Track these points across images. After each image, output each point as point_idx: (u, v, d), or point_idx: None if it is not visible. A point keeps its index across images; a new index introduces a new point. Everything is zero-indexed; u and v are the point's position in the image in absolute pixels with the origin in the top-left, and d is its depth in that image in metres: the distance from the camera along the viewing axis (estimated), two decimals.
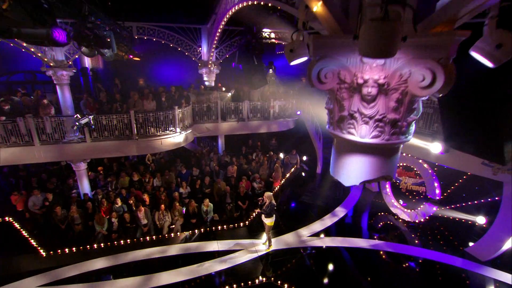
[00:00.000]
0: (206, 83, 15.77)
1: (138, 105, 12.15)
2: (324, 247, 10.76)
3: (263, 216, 10.37)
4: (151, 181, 12.85)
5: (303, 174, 16.36)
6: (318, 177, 16.19)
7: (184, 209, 11.83)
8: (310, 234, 11.35)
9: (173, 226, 11.26)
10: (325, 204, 13.34)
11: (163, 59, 17.33)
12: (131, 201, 11.41)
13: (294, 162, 15.83)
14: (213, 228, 11.55)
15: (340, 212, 12.90)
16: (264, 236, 10.83)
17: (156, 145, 11.59)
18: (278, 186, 14.02)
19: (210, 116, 13.90)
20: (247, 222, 11.94)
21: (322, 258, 10.20)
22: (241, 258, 10.03)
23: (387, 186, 13.27)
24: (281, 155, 16.53)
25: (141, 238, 10.78)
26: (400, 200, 12.93)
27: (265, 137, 17.83)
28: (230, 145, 16.34)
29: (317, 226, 11.87)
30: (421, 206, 12.11)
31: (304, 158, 17.35)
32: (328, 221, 12.20)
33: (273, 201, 10.25)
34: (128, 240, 10.61)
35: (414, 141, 9.73)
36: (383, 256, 10.41)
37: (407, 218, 12.44)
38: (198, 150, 16.20)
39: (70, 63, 11.81)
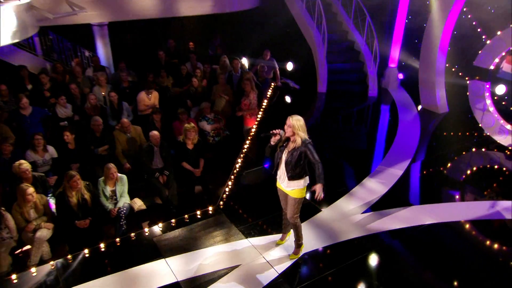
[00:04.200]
0: None
1: None
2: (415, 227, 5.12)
3: (280, 177, 4.26)
4: None
5: (290, 97, 10.34)
6: (320, 100, 10.17)
7: (51, 199, 5.20)
8: (365, 209, 5.56)
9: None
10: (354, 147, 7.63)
11: None
12: None
13: (270, 76, 9.83)
14: (142, 230, 5.25)
15: (394, 160, 7.20)
16: (288, 229, 4.86)
17: None
18: (255, 126, 7.79)
19: None
20: (221, 203, 5.70)
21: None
22: None
23: (486, 95, 7.62)
24: (245, 62, 10.08)
25: None
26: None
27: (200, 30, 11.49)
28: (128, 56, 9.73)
29: (366, 190, 6.13)
30: None
31: (289, 67, 11.09)
32: (383, 178, 6.47)
33: (306, 138, 4.10)
34: None
35: None
36: None
37: None
38: (57, 65, 8.79)
39: None
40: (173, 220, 5.23)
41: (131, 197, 5.43)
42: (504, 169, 6.90)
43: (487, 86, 7.49)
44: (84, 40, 10.55)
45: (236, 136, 7.76)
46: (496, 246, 4.96)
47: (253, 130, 7.65)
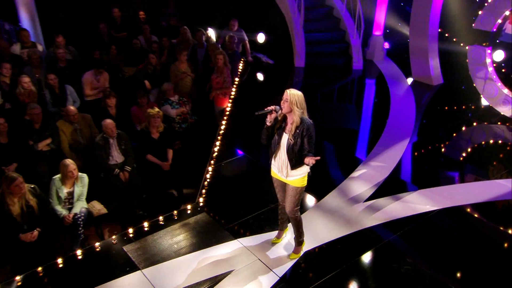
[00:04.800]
0: None
1: None
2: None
3: (279, 166, 4.18)
4: None
5: (263, 74, 10.29)
6: (298, 75, 10.21)
7: None
8: (368, 196, 5.65)
9: None
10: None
11: None
12: None
13: (239, 49, 9.79)
14: (107, 239, 5.06)
15: (391, 140, 7.38)
16: (285, 225, 4.82)
17: None
18: (229, 106, 7.69)
19: None
20: (200, 200, 5.58)
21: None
22: None
23: (487, 61, 7.88)
24: (212, 34, 9.91)
25: None
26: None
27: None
28: None
29: (365, 175, 6.24)
30: None
31: (260, 39, 10.99)
32: (382, 161, 6.62)
33: (306, 117, 4.03)
34: None
35: None
36: None
37: None
38: None
39: None
40: (145, 224, 5.01)
41: (87, 200, 5.16)
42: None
43: (489, 51, 7.79)
44: (2, 10, 9.84)
45: (206, 120, 7.61)
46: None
47: (227, 111, 7.52)
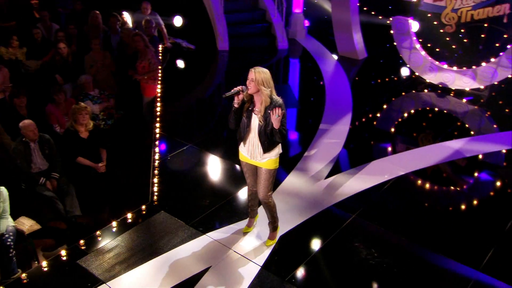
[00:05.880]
0: None
1: None
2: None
3: (249, 150, 4.14)
4: None
5: (184, 60, 10.09)
6: (222, 59, 10.17)
7: None
8: (328, 172, 5.89)
9: None
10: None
11: None
12: None
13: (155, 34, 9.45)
14: (55, 255, 4.67)
15: (335, 116, 7.75)
16: (256, 212, 4.78)
17: None
18: (159, 95, 7.47)
19: None
20: (155, 198, 5.39)
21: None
22: None
23: (411, 31, 8.51)
24: (128, 18, 9.56)
25: None
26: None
27: None
28: None
29: (320, 152, 6.49)
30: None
31: (177, 22, 10.73)
32: (333, 137, 6.93)
33: (275, 95, 4.04)
34: None
35: None
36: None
37: (465, 85, 8.45)
38: None
39: None
40: (98, 233, 4.62)
41: (12, 217, 4.61)
42: (446, 109, 8.08)
43: (410, 21, 8.48)
44: None
45: (134, 114, 7.27)
46: (464, 185, 5.89)
47: (158, 101, 7.23)
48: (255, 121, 4.03)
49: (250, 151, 4.14)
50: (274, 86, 4.01)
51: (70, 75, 7.25)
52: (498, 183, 6.02)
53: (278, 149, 4.17)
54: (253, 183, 4.43)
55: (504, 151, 6.57)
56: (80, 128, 5.51)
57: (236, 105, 4.02)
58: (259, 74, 3.89)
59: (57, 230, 4.93)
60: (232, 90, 3.96)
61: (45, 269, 4.26)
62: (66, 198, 5.21)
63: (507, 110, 7.87)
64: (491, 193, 5.86)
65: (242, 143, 4.20)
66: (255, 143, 4.08)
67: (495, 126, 7.44)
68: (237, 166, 5.87)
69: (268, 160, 4.13)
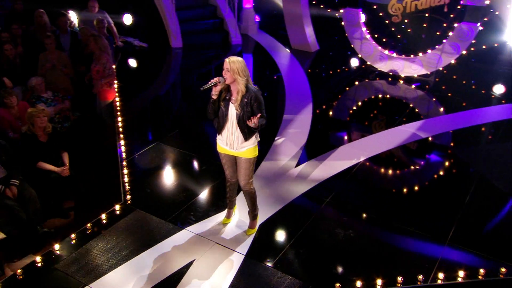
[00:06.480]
0: None
1: None
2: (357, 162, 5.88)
3: (228, 139, 4.16)
4: None
5: (137, 59, 9.91)
6: (176, 57, 10.06)
7: None
8: (297, 161, 6.07)
9: None
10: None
11: None
12: None
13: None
14: (30, 261, 4.46)
15: (296, 106, 8.01)
16: (234, 203, 4.82)
17: None
18: (117, 98, 7.31)
19: None
20: (128, 197, 5.32)
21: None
22: None
23: (360, 22, 8.82)
24: (74, 17, 9.31)
25: None
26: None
27: None
28: None
29: (287, 142, 6.66)
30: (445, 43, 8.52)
31: (127, 20, 10.52)
32: (296, 127, 7.14)
33: (251, 84, 4.09)
34: None
35: None
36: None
37: (414, 72, 8.90)
38: None
39: None
40: (72, 236, 4.43)
41: None
42: (398, 95, 8.50)
43: (359, 12, 8.82)
44: None
45: (90, 115, 7.06)
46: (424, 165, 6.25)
47: (117, 105, 7.05)
48: (232, 110, 4.04)
49: (229, 140, 4.15)
50: (249, 75, 4.06)
51: (18, 77, 6.89)
52: (452, 161, 6.42)
53: (255, 137, 4.21)
54: (232, 174, 4.44)
55: (451, 131, 7.05)
56: (38, 132, 5.26)
57: (214, 97, 4.02)
58: (234, 64, 3.91)
59: (24, 238, 4.68)
60: (209, 82, 3.95)
61: (20, 277, 4.04)
62: (29, 205, 4.97)
63: (449, 94, 8.38)
64: (447, 171, 6.22)
65: (220, 134, 4.20)
66: (234, 132, 4.10)
67: (441, 109, 7.89)
68: (209, 160, 5.87)
69: (247, 149, 4.17)
